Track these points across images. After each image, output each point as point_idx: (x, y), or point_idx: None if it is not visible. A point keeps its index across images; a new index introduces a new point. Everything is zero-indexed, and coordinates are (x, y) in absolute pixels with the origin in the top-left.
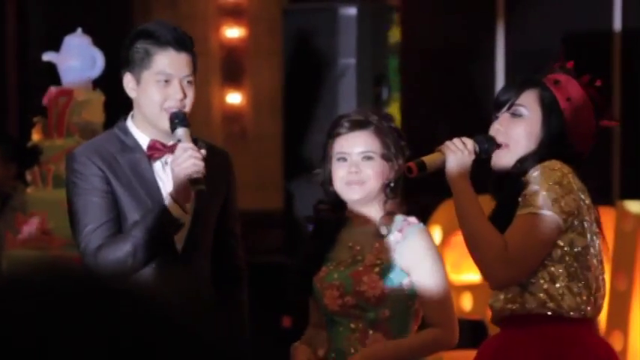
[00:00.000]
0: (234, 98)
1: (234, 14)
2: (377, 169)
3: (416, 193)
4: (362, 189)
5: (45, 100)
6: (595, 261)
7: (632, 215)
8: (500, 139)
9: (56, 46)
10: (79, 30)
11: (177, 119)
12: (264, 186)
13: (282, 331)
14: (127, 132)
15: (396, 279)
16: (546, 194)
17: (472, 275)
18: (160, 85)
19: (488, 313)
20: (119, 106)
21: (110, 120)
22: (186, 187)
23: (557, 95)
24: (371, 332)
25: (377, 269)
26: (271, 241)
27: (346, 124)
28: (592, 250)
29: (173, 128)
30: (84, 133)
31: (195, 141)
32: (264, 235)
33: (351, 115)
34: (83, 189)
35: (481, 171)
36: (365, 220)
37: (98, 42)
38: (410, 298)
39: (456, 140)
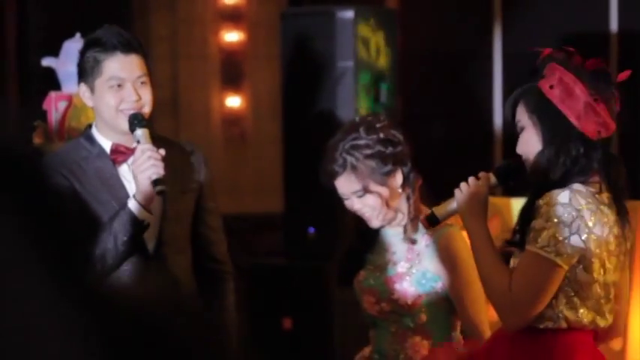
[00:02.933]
0: (234, 102)
1: (233, 18)
2: (372, 200)
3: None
4: (375, 219)
5: (45, 105)
6: (599, 290)
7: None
8: (523, 158)
9: (55, 52)
10: (78, 35)
11: (136, 120)
12: (263, 189)
13: (283, 333)
14: (91, 139)
15: (429, 284)
16: (551, 234)
17: None
18: (113, 90)
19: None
20: None
21: None
22: (147, 188)
23: (543, 88)
24: (410, 335)
25: (408, 277)
26: (271, 244)
27: (329, 174)
28: (599, 281)
29: (132, 130)
30: None
31: (163, 140)
32: (264, 238)
33: (329, 162)
34: None
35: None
36: (397, 225)
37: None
38: (445, 300)
39: (470, 179)
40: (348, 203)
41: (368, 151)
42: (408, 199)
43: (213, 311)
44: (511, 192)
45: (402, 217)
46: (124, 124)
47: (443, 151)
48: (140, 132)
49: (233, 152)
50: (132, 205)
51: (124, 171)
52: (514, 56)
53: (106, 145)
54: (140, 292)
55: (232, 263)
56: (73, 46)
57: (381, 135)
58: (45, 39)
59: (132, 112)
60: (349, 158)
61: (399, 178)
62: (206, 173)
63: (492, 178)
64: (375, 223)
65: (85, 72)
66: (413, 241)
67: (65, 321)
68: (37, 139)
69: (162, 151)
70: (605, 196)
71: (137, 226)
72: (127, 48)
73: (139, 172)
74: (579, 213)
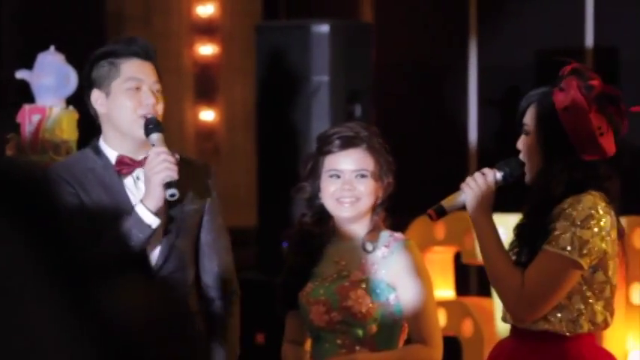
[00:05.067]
0: (208, 115)
1: (208, 31)
2: (370, 188)
3: (389, 211)
4: (354, 207)
5: (18, 118)
6: (610, 289)
7: None
8: (521, 157)
9: (29, 64)
10: (52, 48)
11: (152, 124)
12: (237, 203)
13: (256, 348)
14: (98, 150)
15: (383, 294)
16: (574, 236)
17: (446, 292)
18: (130, 93)
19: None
20: (93, 123)
21: (84, 137)
22: (158, 191)
23: (556, 104)
24: (358, 348)
25: (363, 285)
26: (245, 258)
27: (337, 142)
28: (612, 282)
29: (147, 133)
30: (57, 150)
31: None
32: (238, 251)
33: (342, 131)
34: None
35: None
36: (352, 236)
37: (72, 60)
38: (396, 313)
39: (476, 174)
40: (331, 183)
41: (381, 145)
42: (376, 211)
43: (214, 331)
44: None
45: (364, 226)
46: (139, 130)
47: (418, 164)
48: (156, 136)
49: None
50: (139, 207)
51: (129, 183)
52: (489, 70)
53: (112, 156)
54: (137, 309)
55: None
56: (48, 58)
57: (385, 144)
58: (19, 52)
59: (149, 116)
60: (368, 139)
61: (386, 187)
62: (213, 191)
63: (497, 174)
64: (345, 212)
65: (99, 78)
66: (369, 251)
67: (65, 329)
68: (9, 151)
69: (177, 156)
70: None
71: (143, 228)
72: (144, 55)
73: (153, 174)
74: (600, 216)
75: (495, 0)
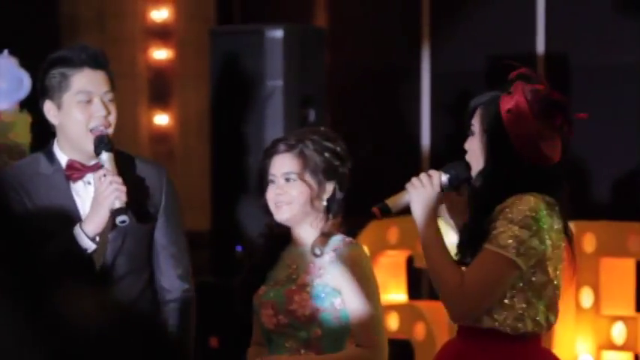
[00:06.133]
0: (162, 119)
1: (162, 36)
2: (299, 190)
3: (343, 214)
4: (287, 209)
5: None
6: (552, 290)
7: None
8: (467, 158)
9: None
10: (6, 52)
11: (102, 144)
12: (191, 207)
13: (209, 352)
14: (51, 155)
15: (327, 298)
16: (512, 235)
17: (398, 295)
18: (81, 106)
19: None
20: (46, 127)
21: (37, 141)
22: (103, 215)
23: (502, 107)
24: (303, 351)
25: (308, 288)
26: (198, 262)
27: (277, 147)
28: (554, 283)
29: (97, 152)
30: (11, 154)
31: (125, 156)
32: (191, 255)
33: (287, 137)
34: None
35: None
36: (303, 241)
37: (25, 64)
38: (342, 317)
39: (422, 175)
40: (270, 188)
41: (320, 149)
42: (327, 216)
43: (169, 334)
44: None
45: (314, 231)
46: (90, 145)
47: (370, 170)
48: (105, 156)
49: None
50: (77, 232)
51: (79, 187)
52: (442, 76)
53: (64, 161)
54: (84, 315)
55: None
56: (1, 62)
57: (337, 148)
58: None
59: (99, 131)
60: (301, 144)
61: (328, 190)
62: (169, 193)
63: (443, 176)
64: (282, 215)
65: (51, 88)
66: (317, 255)
67: (13, 334)
68: None
69: (119, 179)
70: (558, 208)
71: (79, 252)
72: (96, 63)
73: (103, 198)
74: (539, 217)
75: (448, 6)
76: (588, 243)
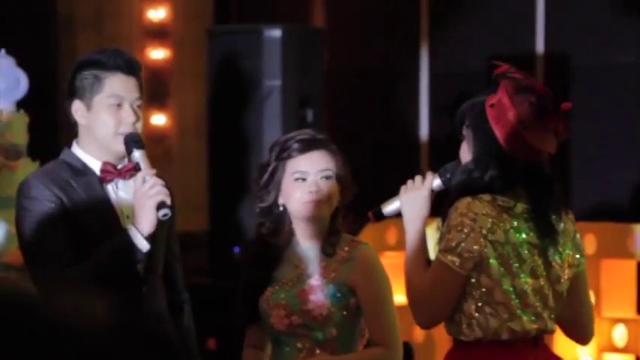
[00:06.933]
0: (159, 119)
1: (159, 35)
2: (332, 188)
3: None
4: (319, 208)
5: None
6: (501, 294)
7: None
8: (461, 161)
9: None
10: (3, 51)
11: (133, 141)
12: (188, 207)
13: (207, 354)
14: (75, 158)
15: (343, 298)
16: (449, 239)
17: (398, 297)
18: (112, 109)
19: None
20: (43, 127)
21: (34, 141)
22: (152, 215)
23: (486, 104)
24: (318, 352)
25: (323, 289)
26: (196, 263)
27: (297, 145)
28: (502, 287)
29: (129, 151)
30: (8, 154)
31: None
32: (189, 256)
33: (298, 135)
34: (39, 214)
35: None
36: (311, 239)
37: (22, 63)
38: (356, 317)
39: (416, 178)
40: (299, 185)
41: (337, 150)
42: (337, 214)
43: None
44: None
45: (324, 229)
46: (119, 146)
47: (369, 170)
48: (138, 154)
49: (158, 170)
50: (133, 233)
51: (110, 191)
52: (440, 76)
53: (92, 163)
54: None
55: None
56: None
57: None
58: None
59: (128, 132)
60: (329, 143)
61: (342, 190)
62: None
63: (437, 180)
64: (315, 212)
65: (82, 89)
66: (329, 254)
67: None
68: None
69: (154, 171)
70: (520, 207)
71: (136, 254)
72: (129, 69)
73: (147, 199)
74: (476, 220)
75: (447, 6)
76: (589, 244)
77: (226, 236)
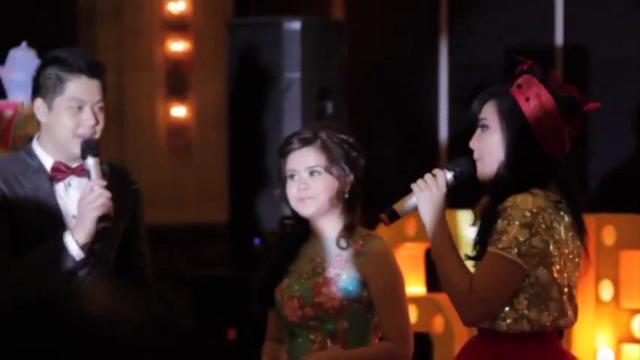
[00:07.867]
0: (179, 112)
1: (179, 28)
2: (325, 183)
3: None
4: (313, 204)
5: None
6: (559, 290)
7: None
8: (476, 155)
9: (1, 60)
10: (24, 44)
11: (89, 148)
12: (208, 199)
13: (228, 344)
14: (32, 154)
15: (355, 291)
16: (513, 236)
17: (416, 288)
18: (72, 112)
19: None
20: None
21: None
22: (90, 226)
23: (518, 98)
24: (329, 344)
25: (336, 281)
26: (216, 254)
27: (289, 144)
28: (558, 282)
29: (84, 157)
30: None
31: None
32: (209, 248)
33: (301, 132)
34: None
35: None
36: (325, 234)
37: (43, 55)
38: (369, 310)
39: (426, 176)
40: (291, 184)
41: (338, 141)
42: (349, 207)
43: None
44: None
45: (336, 223)
46: (76, 148)
47: (389, 163)
48: (92, 161)
49: (178, 162)
50: (67, 240)
51: (60, 189)
52: (460, 68)
53: (46, 161)
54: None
55: (176, 273)
56: (19, 54)
57: (351, 139)
58: None
59: (86, 136)
60: (322, 134)
61: (349, 182)
62: (137, 196)
63: (448, 174)
64: (307, 210)
65: (45, 88)
66: (343, 248)
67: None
68: None
69: (104, 183)
70: (564, 202)
71: (69, 261)
72: (92, 72)
73: (89, 210)
74: (539, 215)
75: None
76: (608, 236)
77: (246, 228)
